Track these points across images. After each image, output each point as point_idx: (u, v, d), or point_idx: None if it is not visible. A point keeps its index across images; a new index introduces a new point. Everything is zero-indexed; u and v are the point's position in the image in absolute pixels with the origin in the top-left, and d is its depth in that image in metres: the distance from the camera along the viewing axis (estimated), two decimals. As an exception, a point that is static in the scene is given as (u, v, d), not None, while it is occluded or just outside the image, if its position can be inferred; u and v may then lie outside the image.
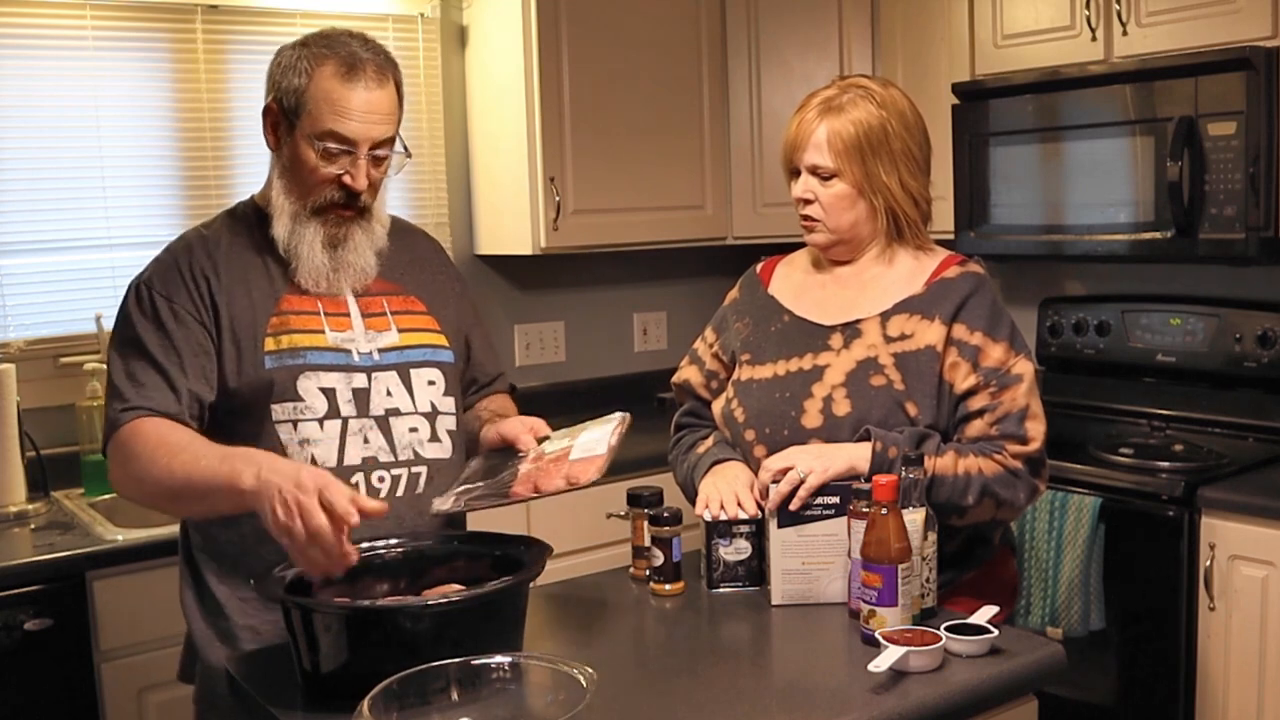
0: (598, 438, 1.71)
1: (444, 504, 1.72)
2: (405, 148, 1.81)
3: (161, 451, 1.63)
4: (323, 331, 1.78)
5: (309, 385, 1.75)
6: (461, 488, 1.74)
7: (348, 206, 1.77)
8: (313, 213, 1.77)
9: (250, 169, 3.00)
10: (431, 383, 1.86)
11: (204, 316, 1.74)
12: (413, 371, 1.84)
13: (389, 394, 1.81)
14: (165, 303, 1.73)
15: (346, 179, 1.74)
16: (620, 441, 1.70)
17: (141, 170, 2.92)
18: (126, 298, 1.77)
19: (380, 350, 1.82)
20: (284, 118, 1.75)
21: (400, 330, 1.85)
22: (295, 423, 1.74)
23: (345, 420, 1.76)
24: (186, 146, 2.97)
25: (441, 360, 1.89)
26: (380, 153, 1.77)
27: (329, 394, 1.76)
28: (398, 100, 1.78)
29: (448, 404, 1.88)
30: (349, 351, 1.79)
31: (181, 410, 1.70)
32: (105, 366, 2.73)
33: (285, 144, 1.76)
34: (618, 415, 1.76)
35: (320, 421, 1.75)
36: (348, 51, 1.73)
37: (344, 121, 1.71)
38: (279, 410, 1.73)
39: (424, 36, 3.34)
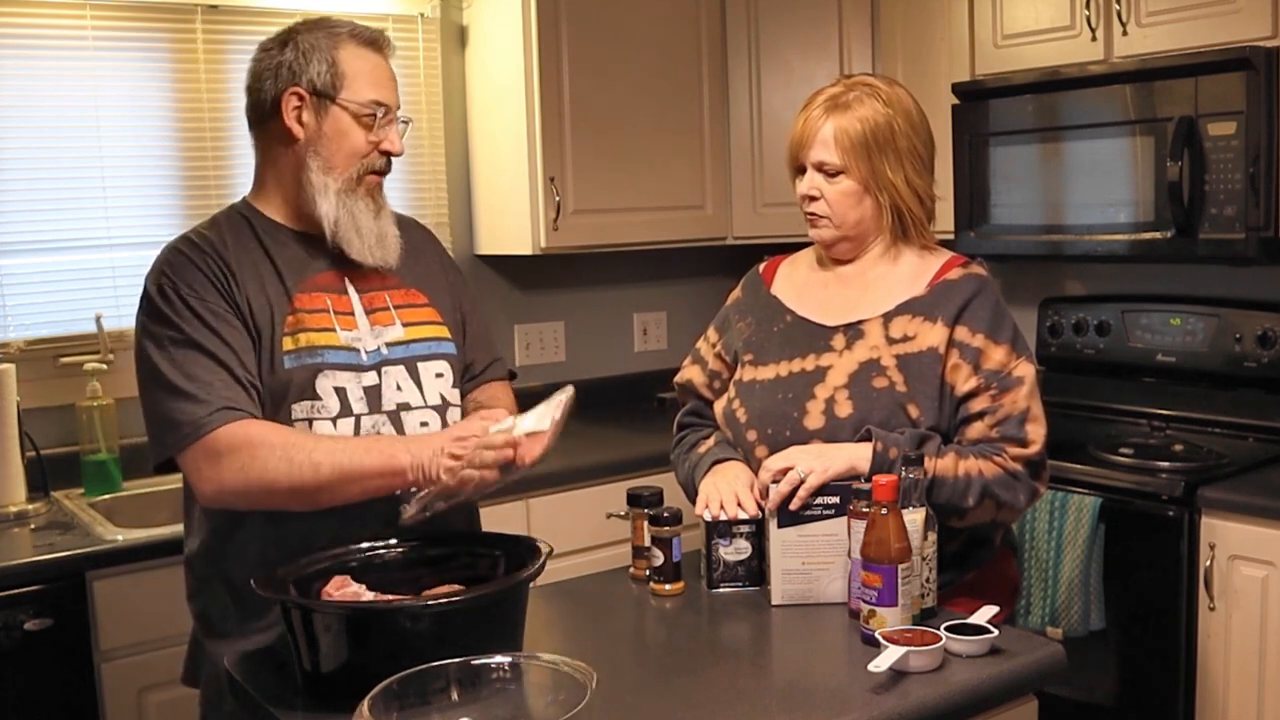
0: (541, 413, 1.68)
1: (409, 513, 1.70)
2: (406, 116, 1.89)
3: (295, 451, 1.63)
4: (334, 330, 1.78)
5: (325, 384, 1.75)
6: (421, 493, 1.71)
7: (382, 173, 1.83)
8: (357, 181, 1.80)
9: (251, 169, 2.99)
10: (439, 375, 1.86)
11: (238, 313, 1.73)
12: (420, 365, 1.84)
13: (399, 388, 1.81)
14: (199, 302, 1.71)
15: (386, 145, 1.81)
16: (565, 415, 1.67)
17: (141, 170, 2.92)
18: (152, 300, 1.72)
19: (387, 345, 1.82)
20: (316, 97, 1.76)
21: (405, 324, 1.86)
22: (311, 421, 1.74)
23: (358, 418, 1.76)
24: (186, 146, 2.97)
25: (447, 352, 1.89)
26: (401, 121, 1.84)
27: (341, 393, 1.75)
28: None
29: (455, 396, 1.89)
30: (357, 350, 1.79)
31: (256, 407, 1.70)
32: (105, 366, 2.77)
33: (324, 121, 1.77)
34: (563, 391, 1.71)
35: (334, 420, 1.75)
36: (360, 28, 1.81)
37: (380, 89, 1.79)
38: (298, 409, 1.73)
39: (424, 36, 3.34)
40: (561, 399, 1.68)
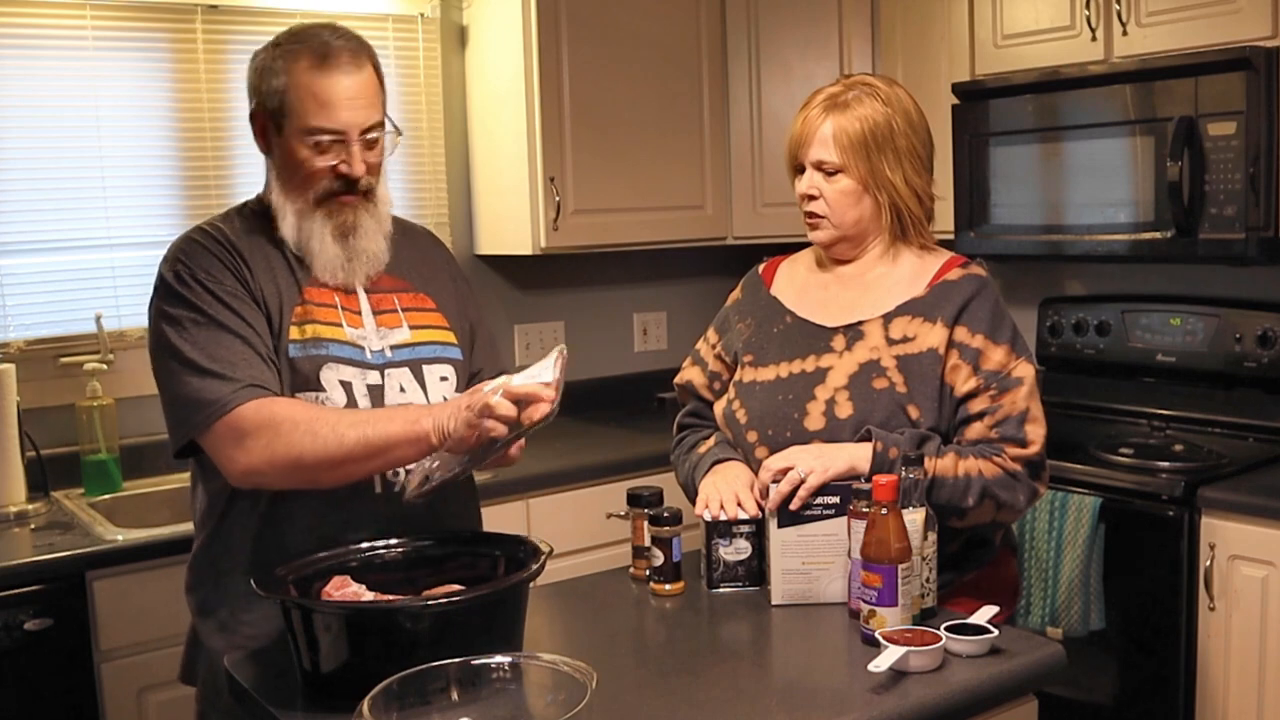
0: (536, 370, 1.65)
1: (412, 485, 1.70)
2: (395, 126, 1.81)
3: (320, 423, 1.63)
4: (340, 325, 1.78)
5: (330, 377, 1.74)
6: (419, 466, 1.71)
7: (349, 193, 1.77)
8: (316, 204, 1.76)
9: (250, 169, 3.00)
10: (444, 379, 1.86)
11: (252, 296, 1.73)
12: (425, 368, 1.84)
13: (402, 390, 1.81)
14: (216, 284, 1.71)
15: (343, 168, 1.74)
16: (563, 373, 1.62)
17: (141, 170, 2.92)
18: (169, 285, 1.72)
19: (392, 347, 1.82)
20: (271, 120, 1.75)
21: (412, 327, 1.85)
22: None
23: None
24: (186, 146, 2.97)
25: (452, 357, 1.89)
26: (372, 136, 1.76)
27: (347, 387, 1.75)
28: (378, 82, 1.78)
29: None
30: (362, 349, 1.79)
31: (279, 385, 1.69)
32: (105, 366, 2.77)
33: (276, 145, 1.76)
34: (555, 350, 1.67)
35: None
36: (319, 42, 1.72)
37: (329, 113, 1.71)
38: (301, 399, 1.72)
39: (424, 36, 3.34)
40: (555, 356, 1.64)
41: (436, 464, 1.67)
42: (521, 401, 1.58)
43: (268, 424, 1.63)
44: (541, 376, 1.61)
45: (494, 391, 1.59)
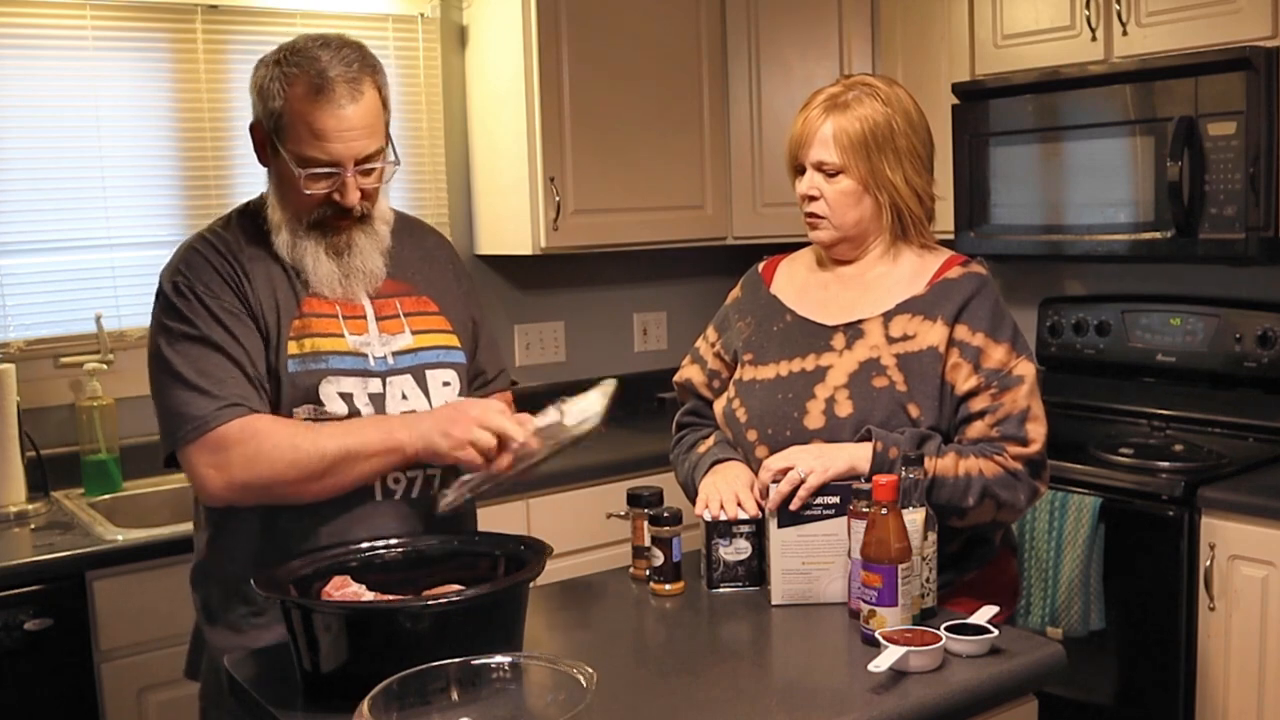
0: (589, 403, 1.73)
1: (447, 500, 1.72)
2: (396, 155, 1.79)
3: (300, 438, 1.65)
4: (342, 335, 1.77)
5: (330, 390, 1.74)
6: (460, 480, 1.74)
7: (343, 217, 1.76)
8: (309, 227, 1.76)
9: (250, 169, 2.94)
10: (446, 384, 1.86)
11: (250, 313, 1.73)
12: (428, 373, 1.84)
13: (404, 397, 1.80)
14: (215, 300, 1.71)
15: (336, 196, 1.73)
16: (611, 402, 1.72)
17: (141, 170, 2.92)
18: (168, 297, 1.72)
19: (394, 354, 1.81)
20: (269, 138, 1.73)
21: (414, 332, 1.85)
22: (316, 421, 1.74)
23: None
24: (186, 146, 2.97)
25: (455, 361, 1.88)
26: (369, 165, 1.73)
27: (347, 399, 1.75)
28: (380, 104, 1.74)
29: None
30: (365, 356, 1.78)
31: (265, 406, 1.70)
32: (105, 366, 2.77)
33: (273, 162, 1.76)
34: (603, 384, 1.76)
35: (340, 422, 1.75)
36: (316, 70, 1.67)
37: (322, 145, 1.68)
38: (300, 413, 1.73)
39: (424, 36, 3.34)
40: (604, 390, 1.73)
41: (467, 478, 1.71)
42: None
43: (250, 439, 1.65)
44: (592, 408, 1.71)
45: (521, 424, 1.69)
